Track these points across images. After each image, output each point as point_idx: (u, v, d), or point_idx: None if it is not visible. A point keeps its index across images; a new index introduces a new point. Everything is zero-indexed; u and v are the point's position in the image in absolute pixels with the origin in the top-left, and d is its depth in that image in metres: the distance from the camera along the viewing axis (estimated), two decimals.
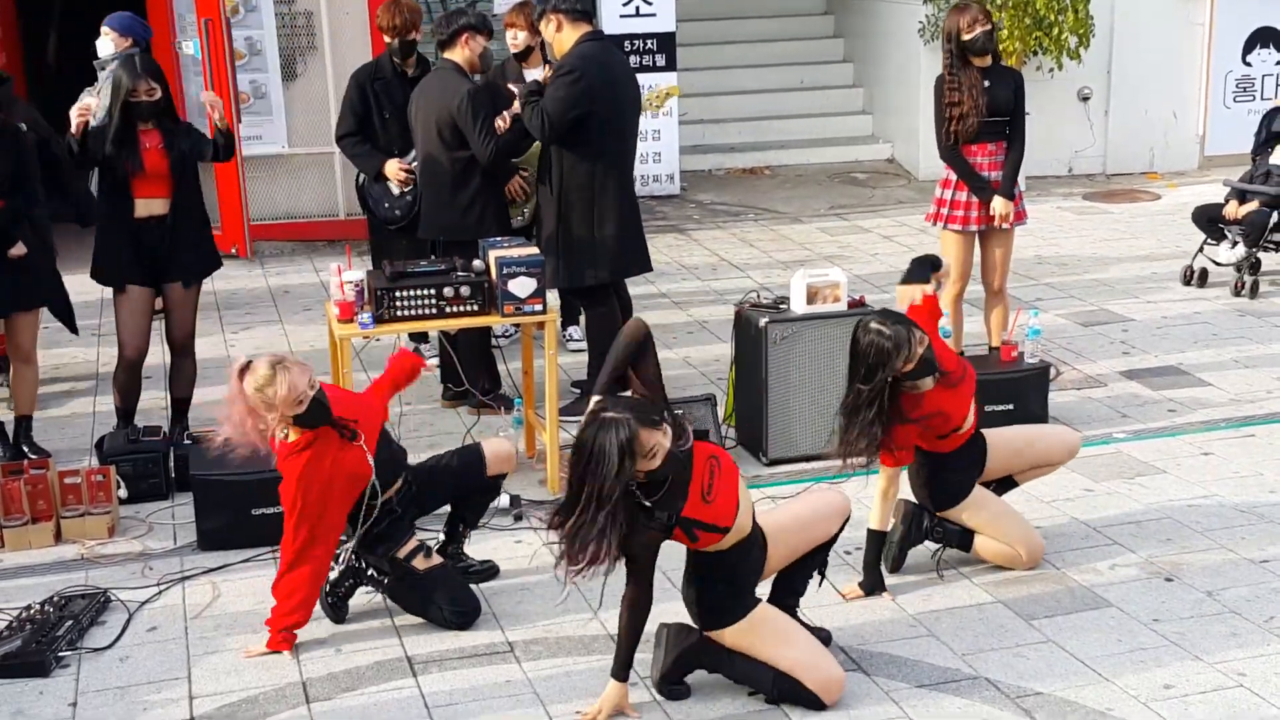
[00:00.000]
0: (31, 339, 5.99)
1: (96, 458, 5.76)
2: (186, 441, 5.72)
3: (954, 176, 6.35)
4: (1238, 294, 8.01)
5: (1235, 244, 8.15)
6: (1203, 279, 8.23)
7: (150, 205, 5.74)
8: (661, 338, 7.55)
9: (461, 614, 4.47)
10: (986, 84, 6.20)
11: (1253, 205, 8.08)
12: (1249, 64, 11.67)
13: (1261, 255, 8.11)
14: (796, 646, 3.98)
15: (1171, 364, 6.96)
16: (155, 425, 5.89)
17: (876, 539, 4.66)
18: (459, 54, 6.20)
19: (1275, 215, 8.02)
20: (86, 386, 6.95)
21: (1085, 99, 11.49)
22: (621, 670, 3.93)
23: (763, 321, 5.68)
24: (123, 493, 5.46)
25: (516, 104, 6.15)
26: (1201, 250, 8.28)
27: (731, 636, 3.99)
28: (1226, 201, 8.25)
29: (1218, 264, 8.21)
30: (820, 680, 3.95)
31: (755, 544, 4.03)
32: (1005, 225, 6.34)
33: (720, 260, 9.23)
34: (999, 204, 6.27)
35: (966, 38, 6.15)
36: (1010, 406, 5.91)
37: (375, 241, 7.18)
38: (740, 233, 10.00)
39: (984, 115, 6.19)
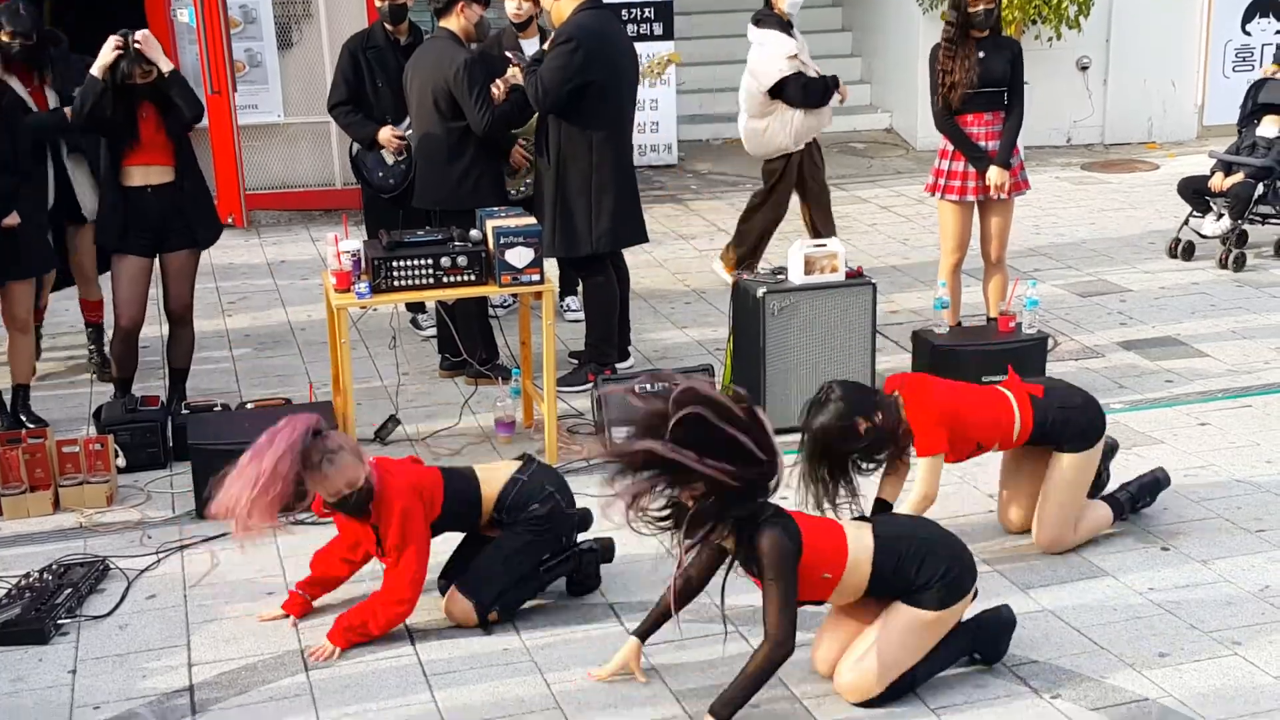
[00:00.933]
0: (28, 309, 5.98)
1: (94, 427, 5.76)
2: (184, 411, 5.72)
3: (952, 146, 6.34)
4: (1223, 267, 7.99)
5: (1220, 216, 8.12)
6: (1188, 252, 8.21)
7: (149, 174, 5.72)
8: (659, 308, 7.57)
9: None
10: (981, 54, 6.19)
11: (1238, 177, 8.05)
12: (1248, 33, 11.63)
13: (1247, 228, 8.09)
14: (910, 658, 3.88)
15: (1169, 334, 6.96)
16: (153, 395, 5.88)
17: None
18: (455, 22, 6.17)
19: (1261, 187, 7.99)
20: (84, 356, 6.94)
21: (1084, 68, 11.45)
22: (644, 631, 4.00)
23: (761, 292, 5.67)
24: (121, 461, 5.46)
25: (513, 71, 6.12)
26: (1187, 223, 8.26)
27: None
28: (1212, 173, 8.23)
29: (1203, 236, 8.18)
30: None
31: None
32: (1002, 195, 6.34)
33: (718, 230, 9.21)
34: (994, 174, 6.26)
35: (971, 10, 6.14)
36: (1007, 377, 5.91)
37: (370, 211, 7.17)
38: (738, 203, 9.92)
39: (974, 86, 6.18)
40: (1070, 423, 4.60)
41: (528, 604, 4.44)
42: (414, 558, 4.17)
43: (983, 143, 6.29)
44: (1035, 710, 3.82)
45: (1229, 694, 3.87)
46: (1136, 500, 4.94)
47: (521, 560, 4.35)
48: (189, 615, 4.46)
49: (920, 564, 3.81)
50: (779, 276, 5.82)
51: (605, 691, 3.96)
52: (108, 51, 5.53)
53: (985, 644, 4.03)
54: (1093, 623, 4.27)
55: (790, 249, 5.82)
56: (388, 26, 6.81)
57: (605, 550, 4.59)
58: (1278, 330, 6.99)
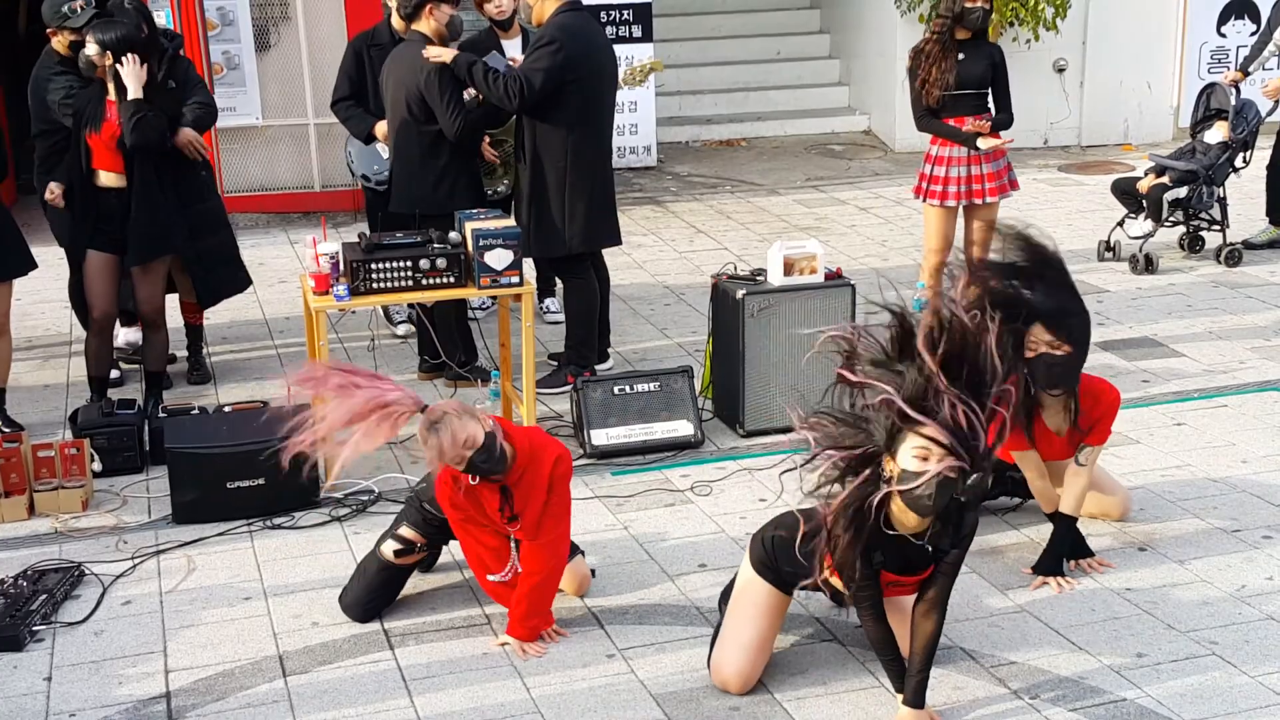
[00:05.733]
0: (5, 311, 5.95)
1: (70, 431, 5.72)
2: (161, 415, 5.68)
3: (935, 151, 6.36)
4: (1134, 270, 8.02)
5: (1147, 218, 8.16)
6: (1117, 252, 8.25)
7: (109, 178, 5.77)
8: (639, 310, 7.56)
9: (345, 606, 4.42)
10: (960, 57, 6.21)
11: (1163, 180, 8.07)
12: (1223, 35, 11.70)
13: (1205, 233, 8.12)
14: (734, 621, 3.97)
15: (1146, 335, 6.99)
16: (129, 398, 5.85)
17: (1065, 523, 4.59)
18: (425, 25, 6.13)
19: (1185, 190, 8.01)
20: (60, 359, 6.90)
21: (1061, 70, 11.50)
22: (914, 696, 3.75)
23: (740, 293, 5.67)
24: (97, 466, 5.43)
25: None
26: (1121, 224, 8.29)
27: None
28: (1145, 175, 8.27)
29: (1131, 238, 8.21)
30: (717, 660, 3.96)
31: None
32: (994, 141, 6.26)
33: (697, 232, 9.22)
34: (982, 140, 6.25)
35: (968, 5, 6.16)
36: None
37: (372, 209, 7.15)
38: (717, 204, 9.99)
39: (950, 87, 6.20)
40: None
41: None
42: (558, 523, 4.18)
43: (966, 149, 6.31)
44: (1014, 711, 3.83)
45: (1206, 693, 3.89)
46: None
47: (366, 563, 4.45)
48: (165, 621, 4.43)
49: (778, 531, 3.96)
50: (758, 278, 5.82)
51: (585, 695, 3.95)
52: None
53: None
54: (1071, 623, 4.28)
55: (770, 251, 5.82)
56: (394, 24, 6.77)
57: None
58: (1253, 331, 7.03)
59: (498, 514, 4.15)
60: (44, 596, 4.47)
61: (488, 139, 6.68)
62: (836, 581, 3.82)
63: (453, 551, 4.63)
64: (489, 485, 4.11)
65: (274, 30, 9.51)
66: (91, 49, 5.63)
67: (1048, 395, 4.42)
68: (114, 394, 6.02)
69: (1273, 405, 6.04)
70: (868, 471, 3.48)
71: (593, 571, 4.58)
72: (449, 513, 4.17)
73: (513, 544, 4.20)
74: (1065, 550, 4.59)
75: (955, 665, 4.05)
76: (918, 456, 3.38)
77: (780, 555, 3.90)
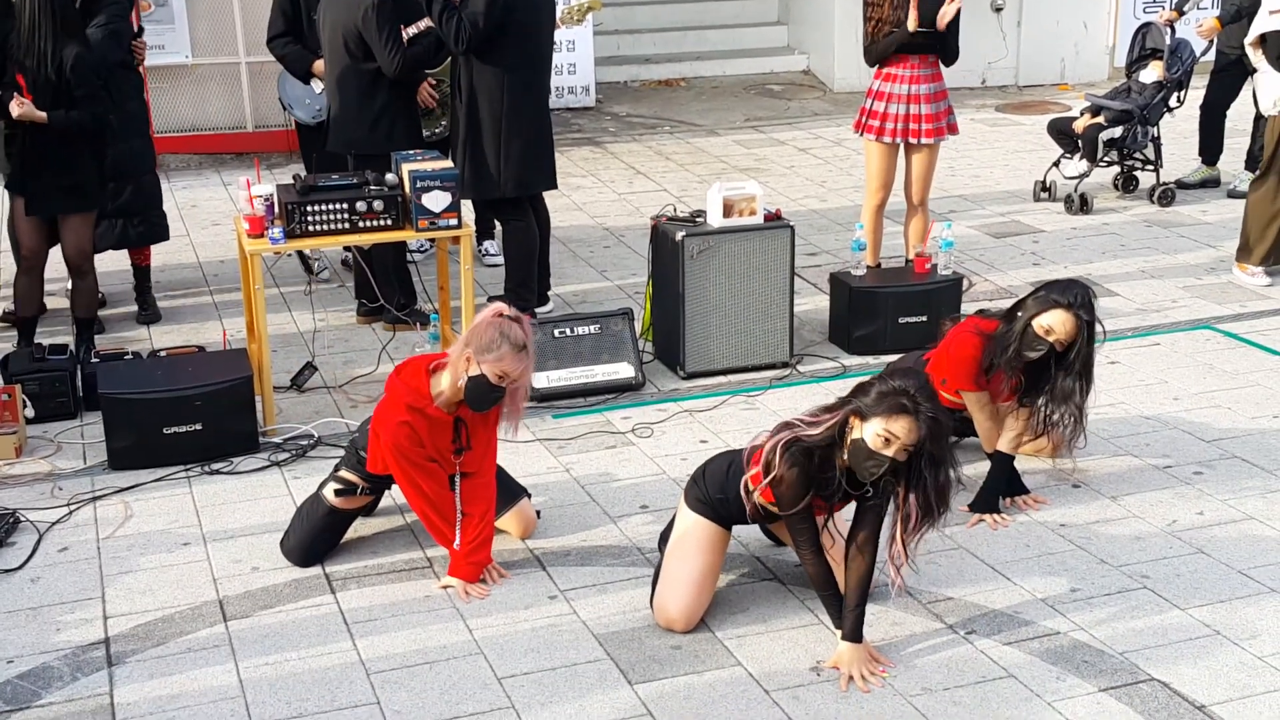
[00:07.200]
0: None
1: (1, 377, 5.61)
2: (94, 360, 5.59)
3: (877, 86, 6.35)
4: (1069, 210, 8.12)
5: (1083, 158, 8.24)
6: (1052, 192, 8.34)
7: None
8: (578, 252, 7.53)
9: (286, 551, 4.41)
10: None
11: (1099, 119, 8.15)
12: None
13: (1139, 174, 8.22)
14: (675, 561, 4.00)
15: (1080, 274, 7.06)
16: (61, 343, 5.75)
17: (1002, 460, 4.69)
18: None
19: (1119, 130, 8.10)
20: None
21: (998, 10, 11.53)
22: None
23: (680, 235, 5.66)
24: (29, 412, 5.34)
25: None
26: (1057, 164, 8.37)
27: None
28: (1081, 115, 8.34)
29: (1067, 178, 8.29)
30: (659, 599, 3.99)
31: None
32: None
33: (636, 173, 9.18)
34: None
35: None
36: (924, 318, 5.98)
37: (306, 148, 7.03)
38: (656, 145, 9.94)
39: (900, 26, 6.17)
40: None
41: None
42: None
43: (906, 86, 6.30)
44: (950, 644, 3.90)
45: (1138, 627, 3.98)
46: None
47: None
48: (103, 567, 4.39)
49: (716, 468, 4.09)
50: (698, 220, 5.81)
51: (528, 636, 3.97)
52: None
53: None
54: (1006, 559, 4.36)
55: (709, 192, 5.81)
56: None
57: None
58: (1186, 270, 7.14)
59: (449, 445, 4.16)
60: None
61: (429, 81, 6.59)
62: (764, 501, 3.90)
63: (394, 496, 4.62)
64: (446, 418, 4.13)
65: None
66: None
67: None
68: (44, 338, 5.91)
69: (1204, 343, 6.14)
70: (839, 417, 3.67)
71: (538, 513, 4.60)
72: (397, 462, 4.13)
73: (456, 480, 4.21)
74: (1001, 488, 4.67)
75: (893, 601, 4.11)
76: (880, 436, 3.57)
77: (712, 488, 3.97)
